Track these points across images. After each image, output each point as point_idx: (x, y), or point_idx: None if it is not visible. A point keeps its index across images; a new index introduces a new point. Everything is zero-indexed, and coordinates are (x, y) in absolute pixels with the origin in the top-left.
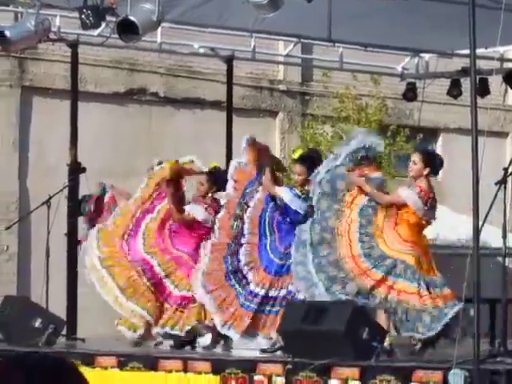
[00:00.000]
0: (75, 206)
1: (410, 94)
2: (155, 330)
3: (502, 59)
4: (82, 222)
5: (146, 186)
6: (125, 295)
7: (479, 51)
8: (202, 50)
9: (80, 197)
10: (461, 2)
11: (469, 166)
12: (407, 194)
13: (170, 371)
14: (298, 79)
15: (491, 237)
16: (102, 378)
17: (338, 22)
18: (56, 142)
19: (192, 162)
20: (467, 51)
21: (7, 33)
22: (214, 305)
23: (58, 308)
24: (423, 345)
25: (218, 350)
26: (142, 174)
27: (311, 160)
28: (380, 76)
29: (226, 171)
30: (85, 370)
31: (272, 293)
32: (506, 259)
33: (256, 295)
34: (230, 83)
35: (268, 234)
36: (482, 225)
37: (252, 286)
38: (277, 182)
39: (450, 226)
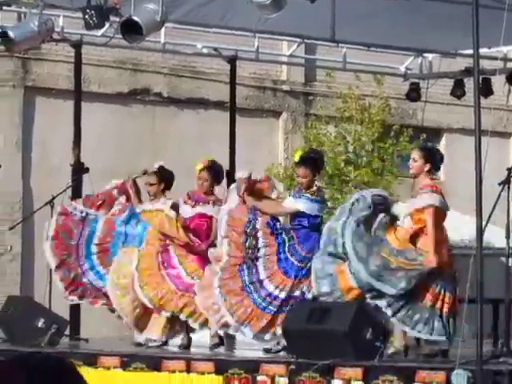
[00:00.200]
0: None
1: (414, 94)
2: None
3: (505, 59)
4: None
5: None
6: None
7: (482, 51)
8: (205, 50)
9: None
10: (464, 2)
11: (472, 166)
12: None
13: (173, 371)
14: (301, 79)
15: (494, 237)
16: (105, 378)
17: (341, 23)
18: (59, 142)
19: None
20: (470, 51)
21: (10, 33)
22: (229, 306)
23: (61, 308)
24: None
25: (221, 350)
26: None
27: (313, 161)
28: (383, 76)
29: (221, 166)
30: (88, 370)
31: (293, 296)
32: (510, 259)
33: (276, 298)
34: (233, 83)
35: (286, 239)
36: (486, 225)
37: (271, 288)
38: (267, 197)
39: (453, 227)
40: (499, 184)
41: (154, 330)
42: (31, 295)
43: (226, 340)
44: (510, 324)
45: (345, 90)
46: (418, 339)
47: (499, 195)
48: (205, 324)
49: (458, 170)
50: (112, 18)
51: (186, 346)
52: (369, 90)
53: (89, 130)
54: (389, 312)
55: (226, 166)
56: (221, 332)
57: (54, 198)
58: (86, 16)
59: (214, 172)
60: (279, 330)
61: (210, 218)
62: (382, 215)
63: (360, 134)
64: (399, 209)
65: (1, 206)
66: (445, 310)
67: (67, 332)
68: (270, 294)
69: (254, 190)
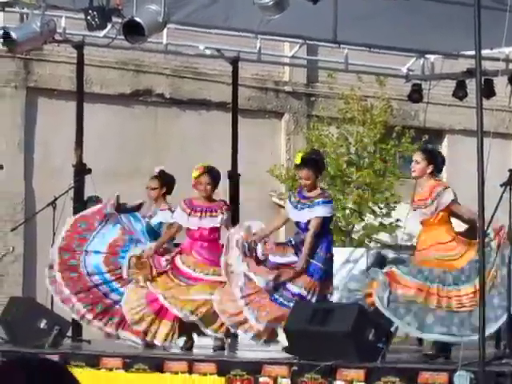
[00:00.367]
0: (81, 207)
1: (416, 95)
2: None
3: (507, 60)
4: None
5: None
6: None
7: (484, 52)
8: (207, 52)
9: (85, 198)
10: (466, 3)
11: (474, 168)
12: None
13: (176, 373)
14: (303, 80)
15: None
16: (108, 379)
17: (343, 24)
18: (61, 143)
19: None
20: (472, 52)
21: (13, 34)
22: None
23: (63, 309)
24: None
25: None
26: (147, 175)
27: (315, 162)
28: (385, 77)
29: (218, 170)
30: (90, 372)
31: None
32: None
33: (303, 297)
34: (235, 84)
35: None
36: (488, 226)
37: (295, 289)
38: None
39: (455, 228)
40: (501, 185)
41: (160, 338)
42: (33, 296)
43: (230, 340)
44: None
45: (347, 91)
46: (420, 340)
47: (501, 196)
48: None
49: (460, 172)
50: (114, 19)
51: (189, 347)
52: (371, 91)
53: (91, 131)
54: None
55: (228, 166)
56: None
57: (56, 199)
58: (88, 17)
59: (214, 175)
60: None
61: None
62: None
63: (362, 135)
64: (402, 210)
65: (3, 207)
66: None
67: (69, 333)
68: (296, 294)
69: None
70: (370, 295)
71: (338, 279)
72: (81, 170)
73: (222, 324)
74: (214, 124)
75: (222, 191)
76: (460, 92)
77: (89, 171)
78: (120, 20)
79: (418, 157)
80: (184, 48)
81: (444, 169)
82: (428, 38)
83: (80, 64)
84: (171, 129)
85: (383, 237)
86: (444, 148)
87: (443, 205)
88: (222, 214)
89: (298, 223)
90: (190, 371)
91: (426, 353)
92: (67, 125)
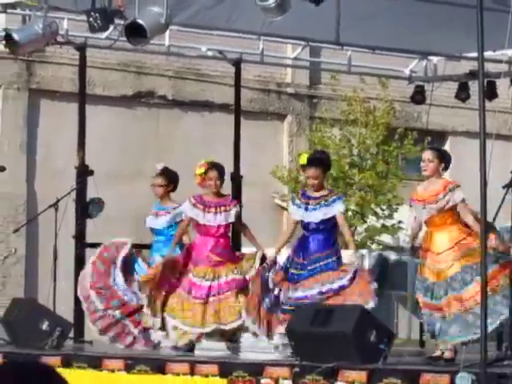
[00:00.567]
0: (83, 208)
1: (418, 96)
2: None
3: (509, 62)
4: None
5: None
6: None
7: (487, 54)
8: (210, 53)
9: (88, 199)
10: (469, 5)
11: (476, 169)
12: None
13: (177, 374)
14: (306, 82)
15: None
16: (109, 380)
17: (346, 25)
18: (64, 144)
19: None
20: (475, 54)
21: (15, 36)
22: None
23: (66, 311)
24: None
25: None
26: (149, 177)
27: (321, 161)
28: (388, 79)
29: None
30: (92, 373)
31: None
32: None
33: (329, 290)
34: (238, 86)
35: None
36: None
37: (317, 288)
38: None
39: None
40: (503, 187)
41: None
42: (35, 297)
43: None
44: None
45: (349, 92)
46: (422, 342)
47: (503, 198)
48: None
49: (463, 173)
50: (116, 21)
51: (191, 348)
52: (373, 92)
53: (93, 133)
54: None
55: (230, 168)
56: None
57: (58, 201)
58: (91, 19)
59: (220, 170)
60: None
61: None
62: None
63: (365, 137)
64: (405, 212)
65: (5, 209)
66: None
67: (71, 334)
68: (322, 292)
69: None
70: None
71: None
72: (83, 172)
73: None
74: (217, 126)
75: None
76: (462, 94)
77: (91, 173)
78: (122, 22)
79: (429, 155)
80: (186, 50)
81: (445, 172)
82: (431, 39)
83: (82, 66)
84: (173, 130)
85: (385, 238)
86: (446, 150)
87: (454, 201)
88: (235, 208)
89: (307, 224)
90: (192, 373)
91: (428, 356)
92: (69, 126)
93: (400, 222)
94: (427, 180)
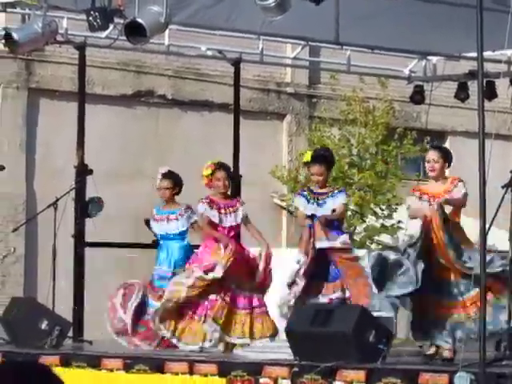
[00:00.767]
0: (82, 207)
1: (418, 96)
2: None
3: (509, 62)
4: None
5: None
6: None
7: (486, 54)
8: (209, 53)
9: (87, 199)
10: (468, 5)
11: (476, 169)
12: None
13: (176, 374)
14: (305, 82)
15: (498, 240)
16: (108, 380)
17: (345, 25)
18: (63, 143)
19: None
20: (474, 54)
21: (14, 35)
22: None
23: (65, 310)
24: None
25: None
26: (149, 176)
27: (325, 158)
28: (387, 79)
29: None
30: (91, 372)
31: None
32: None
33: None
34: (237, 85)
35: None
36: (489, 228)
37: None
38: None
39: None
40: (503, 187)
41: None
42: (34, 297)
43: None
44: None
45: (349, 92)
46: None
47: (503, 198)
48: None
49: (462, 173)
50: (116, 20)
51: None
52: (373, 92)
53: (93, 132)
54: None
55: None
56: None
57: (57, 200)
58: (90, 18)
59: (228, 170)
60: None
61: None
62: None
63: (364, 137)
64: (404, 212)
65: (4, 208)
66: None
67: (70, 334)
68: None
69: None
70: None
71: None
72: (82, 171)
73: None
74: (216, 125)
75: None
76: (462, 94)
77: (90, 172)
78: (122, 21)
79: (434, 156)
80: (186, 49)
81: (446, 170)
82: (430, 39)
83: (82, 65)
84: (173, 130)
85: (385, 238)
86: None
87: (463, 195)
88: (242, 207)
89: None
90: (191, 372)
91: (426, 353)
92: (69, 126)
93: (399, 221)
94: (434, 181)
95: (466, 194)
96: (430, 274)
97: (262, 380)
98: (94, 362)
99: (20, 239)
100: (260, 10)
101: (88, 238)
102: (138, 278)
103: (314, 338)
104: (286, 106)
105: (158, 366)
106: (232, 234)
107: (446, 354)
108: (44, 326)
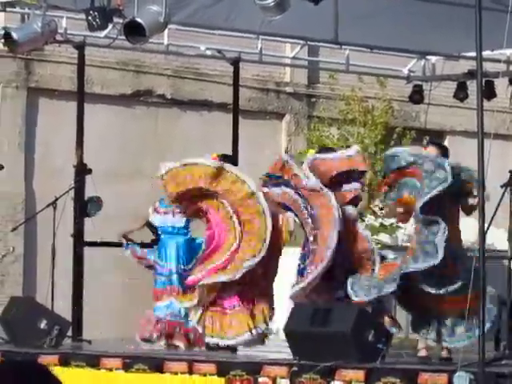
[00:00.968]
0: (81, 207)
1: (417, 96)
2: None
3: (508, 62)
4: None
5: None
6: None
7: (485, 54)
8: (208, 52)
9: (86, 198)
10: (467, 5)
11: (475, 169)
12: None
13: (175, 373)
14: (304, 81)
15: (497, 239)
16: (107, 379)
17: (344, 25)
18: (62, 143)
19: None
20: (473, 54)
21: (14, 34)
22: None
23: (64, 309)
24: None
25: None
26: (148, 176)
27: None
28: (386, 78)
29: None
30: (90, 372)
31: None
32: None
33: None
34: (236, 85)
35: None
36: (488, 227)
37: None
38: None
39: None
40: (501, 186)
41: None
42: (33, 296)
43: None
44: None
45: (348, 92)
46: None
47: (501, 198)
48: None
49: None
50: (115, 20)
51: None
52: (372, 92)
53: (92, 132)
54: None
55: None
56: None
57: (56, 200)
58: (89, 17)
59: (232, 162)
60: None
61: None
62: None
63: (363, 137)
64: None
65: (3, 207)
66: None
67: (69, 333)
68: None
69: None
70: None
71: None
72: (81, 171)
73: None
74: (215, 125)
75: None
76: (461, 93)
77: (89, 171)
78: (121, 20)
79: (432, 151)
80: (185, 49)
81: None
82: (429, 39)
83: (81, 64)
84: (172, 129)
85: (383, 238)
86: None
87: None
88: None
89: None
90: (190, 371)
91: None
92: (68, 125)
93: None
94: None
95: None
96: (430, 271)
97: (260, 379)
98: (93, 361)
99: (19, 239)
100: (259, 9)
101: (87, 238)
102: (137, 277)
103: (313, 337)
104: (285, 105)
105: (157, 366)
106: None
107: (444, 353)
108: (43, 325)
